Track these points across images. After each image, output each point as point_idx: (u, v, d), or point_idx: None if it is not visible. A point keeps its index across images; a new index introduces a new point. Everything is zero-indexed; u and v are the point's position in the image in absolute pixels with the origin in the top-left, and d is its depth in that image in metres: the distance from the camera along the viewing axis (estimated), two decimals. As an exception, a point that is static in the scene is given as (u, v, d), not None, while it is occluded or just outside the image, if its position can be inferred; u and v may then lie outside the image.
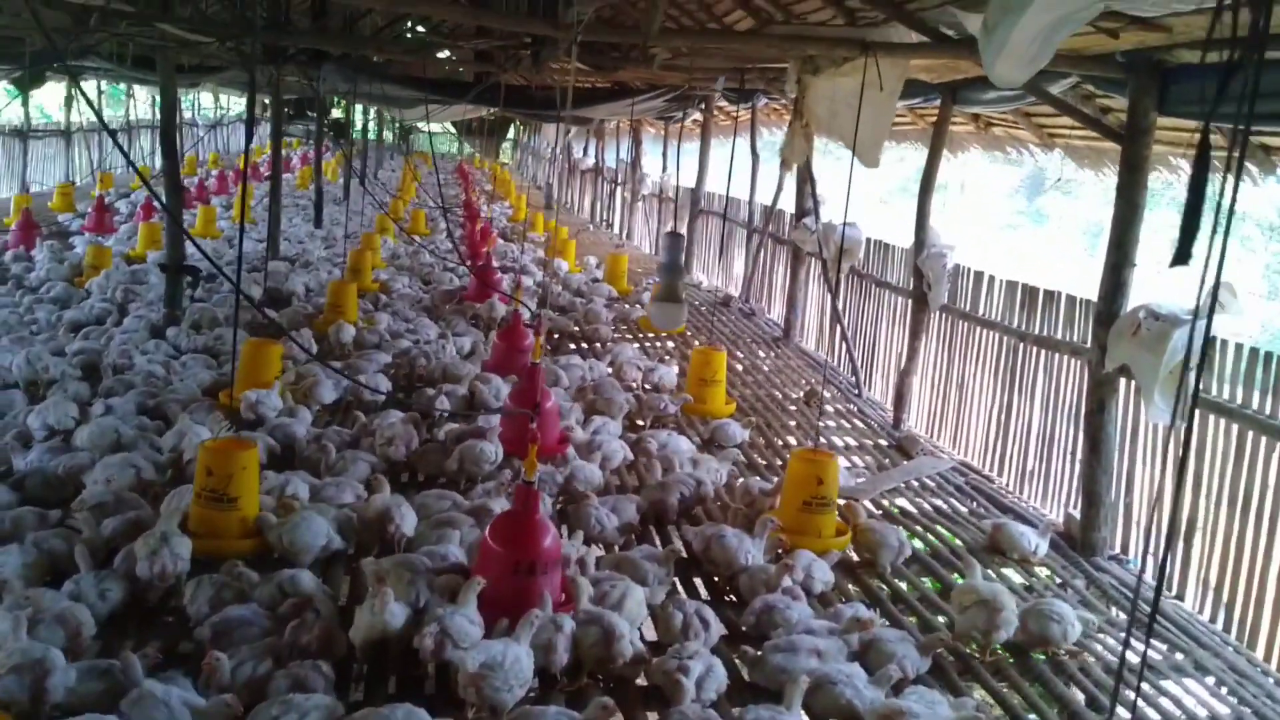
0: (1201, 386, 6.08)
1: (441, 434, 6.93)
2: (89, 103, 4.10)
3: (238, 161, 28.54)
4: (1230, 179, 1.90)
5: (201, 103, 31.58)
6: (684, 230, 17.09)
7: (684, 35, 7.22)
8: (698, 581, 5.58)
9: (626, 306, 12.85)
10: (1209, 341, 5.96)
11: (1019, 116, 8.72)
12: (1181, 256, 1.89)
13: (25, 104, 14.47)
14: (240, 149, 33.98)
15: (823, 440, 8.33)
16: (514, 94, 13.12)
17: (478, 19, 6.92)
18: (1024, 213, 44.01)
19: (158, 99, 24.73)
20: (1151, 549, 6.30)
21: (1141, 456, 6.68)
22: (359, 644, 4.25)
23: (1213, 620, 6.02)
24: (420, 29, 12.90)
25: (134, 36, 8.75)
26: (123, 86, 24.03)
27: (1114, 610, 5.70)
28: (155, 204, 16.66)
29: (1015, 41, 4.42)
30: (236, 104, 31.81)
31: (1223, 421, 6.02)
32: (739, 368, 10.66)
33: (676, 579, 5.40)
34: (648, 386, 9.13)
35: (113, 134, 5.22)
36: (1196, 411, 6.07)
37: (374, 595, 4.25)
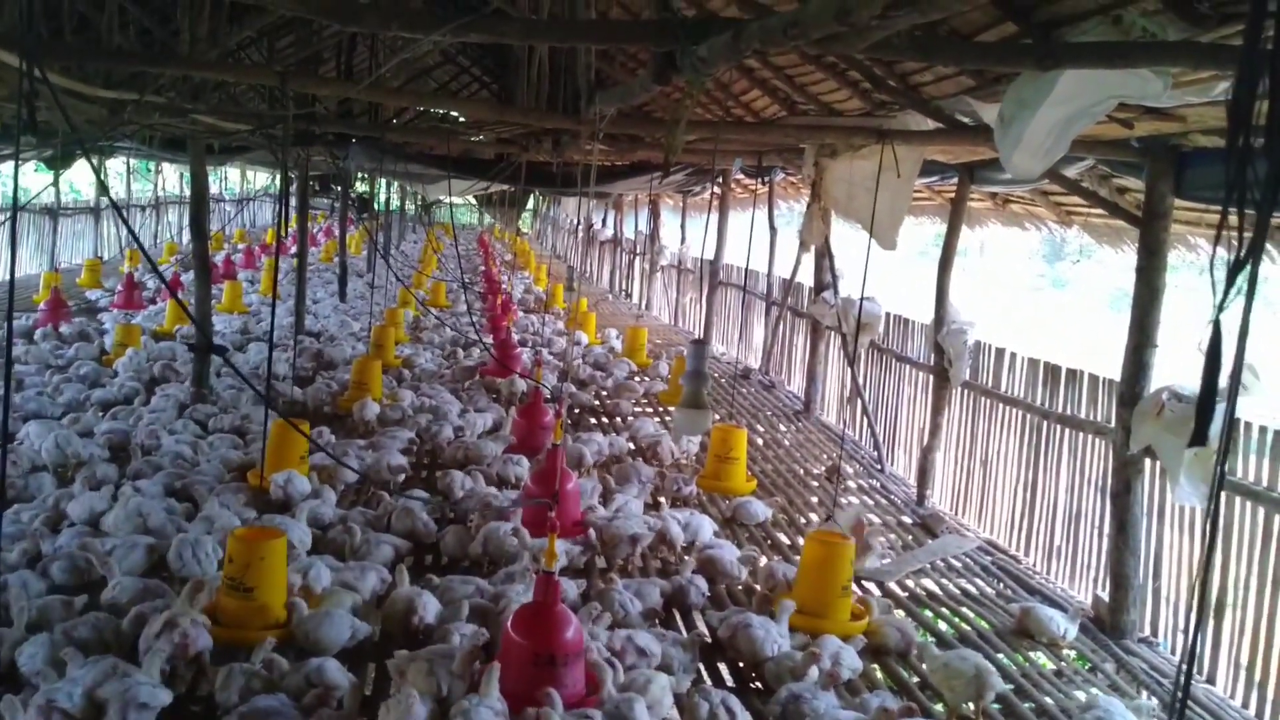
0: (1227, 469, 6.06)
1: (475, 518, 6.94)
2: (106, 193, 4.21)
3: (264, 236, 29.04)
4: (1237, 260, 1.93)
5: (228, 178, 32.16)
6: (704, 302, 17.27)
7: (703, 128, 7.36)
8: (722, 668, 5.54)
9: (647, 380, 12.91)
10: (1234, 423, 5.96)
11: (1036, 194, 8.80)
12: (1199, 438, 1.94)
13: (56, 183, 14.77)
14: (265, 223, 34.58)
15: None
16: (535, 170, 13.34)
17: (501, 115, 7.09)
18: (1044, 275, 44.16)
19: (185, 175, 25.24)
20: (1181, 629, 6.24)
21: (1169, 538, 6.62)
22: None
23: (1245, 705, 5.93)
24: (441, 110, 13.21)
25: (169, 126, 9.00)
26: (151, 163, 24.50)
27: (1144, 694, 5.64)
28: (181, 281, 16.99)
29: (1031, 135, 4.51)
30: (262, 178, 32.38)
31: (1249, 504, 5.98)
32: (759, 441, 10.67)
33: (701, 665, 5.38)
34: (668, 462, 9.15)
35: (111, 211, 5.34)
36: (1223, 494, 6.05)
37: (397, 699, 4.26)
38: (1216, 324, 1.77)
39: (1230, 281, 1.74)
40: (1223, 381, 2.10)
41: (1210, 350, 1.80)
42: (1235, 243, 1.75)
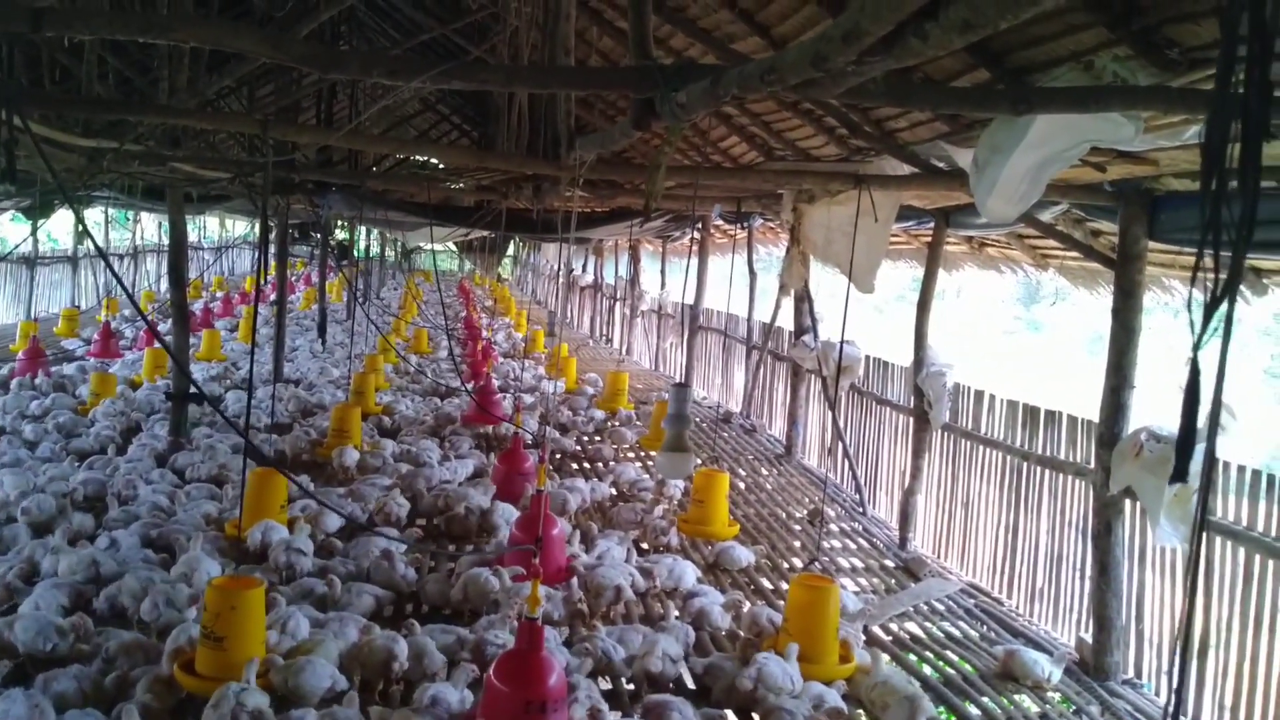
0: (1208, 509, 6.08)
1: (460, 565, 6.88)
2: (89, 236, 4.20)
3: (242, 283, 28.97)
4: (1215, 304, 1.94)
5: (207, 226, 32.13)
6: (685, 346, 17.30)
7: (683, 173, 7.42)
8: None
9: (637, 424, 12.86)
10: (1214, 463, 5.99)
11: (1011, 238, 8.89)
12: (1179, 475, 1.96)
13: (34, 233, 14.71)
14: (243, 271, 34.51)
15: (825, 559, 8.29)
16: (515, 217, 13.40)
17: (481, 161, 7.13)
18: (1020, 318, 44.49)
19: (163, 224, 25.19)
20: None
21: (1151, 580, 6.62)
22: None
23: (1232, 747, 5.91)
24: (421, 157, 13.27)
25: (148, 175, 9.00)
26: (128, 213, 24.44)
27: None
28: (159, 328, 16.91)
29: (1005, 179, 4.56)
30: (241, 226, 32.36)
31: (1229, 544, 6.00)
32: (741, 485, 10.65)
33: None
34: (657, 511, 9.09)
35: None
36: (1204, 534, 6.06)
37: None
38: (1194, 362, 1.79)
39: (1206, 321, 1.76)
40: (1201, 422, 2.11)
41: (1189, 388, 1.81)
42: (1210, 283, 1.78)
